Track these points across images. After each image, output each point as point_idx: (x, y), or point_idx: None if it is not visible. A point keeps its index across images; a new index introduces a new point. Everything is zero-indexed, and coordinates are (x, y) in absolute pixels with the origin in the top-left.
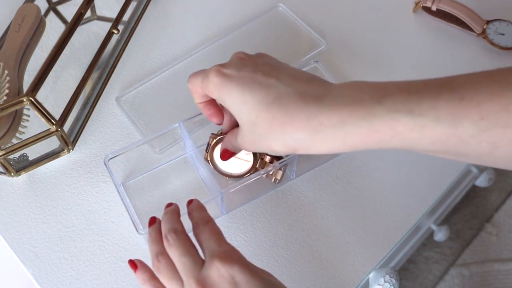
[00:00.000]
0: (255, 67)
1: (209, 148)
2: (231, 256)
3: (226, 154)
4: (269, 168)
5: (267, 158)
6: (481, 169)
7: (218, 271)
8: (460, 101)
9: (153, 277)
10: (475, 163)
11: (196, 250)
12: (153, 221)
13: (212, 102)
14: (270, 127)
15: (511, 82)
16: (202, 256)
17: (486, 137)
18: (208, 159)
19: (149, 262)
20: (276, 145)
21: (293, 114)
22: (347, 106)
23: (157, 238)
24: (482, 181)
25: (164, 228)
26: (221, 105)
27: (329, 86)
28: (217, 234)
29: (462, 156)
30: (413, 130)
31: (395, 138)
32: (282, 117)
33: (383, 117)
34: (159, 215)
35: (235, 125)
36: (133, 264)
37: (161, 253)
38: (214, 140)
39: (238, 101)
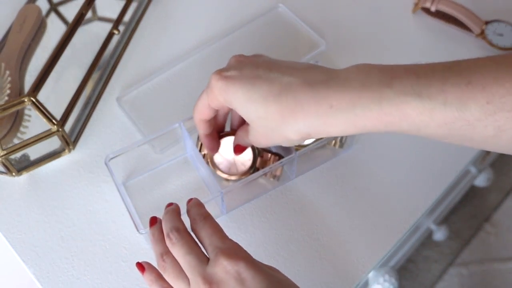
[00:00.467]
0: (255, 65)
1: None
2: (236, 252)
3: (240, 149)
4: (269, 167)
5: (267, 156)
6: (480, 169)
7: (224, 268)
8: (467, 85)
9: (159, 277)
10: (479, 147)
11: (200, 248)
12: (154, 221)
13: (214, 135)
14: (281, 117)
15: None
16: (205, 253)
17: (491, 121)
18: (208, 160)
19: (151, 262)
20: (290, 134)
21: (303, 100)
22: (356, 90)
23: (160, 237)
24: (481, 181)
25: (165, 227)
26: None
27: (332, 71)
28: (219, 230)
29: (467, 140)
30: (422, 113)
31: (404, 121)
32: (293, 105)
33: (393, 100)
34: (160, 214)
35: (243, 121)
36: (141, 266)
37: (166, 252)
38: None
39: (244, 100)
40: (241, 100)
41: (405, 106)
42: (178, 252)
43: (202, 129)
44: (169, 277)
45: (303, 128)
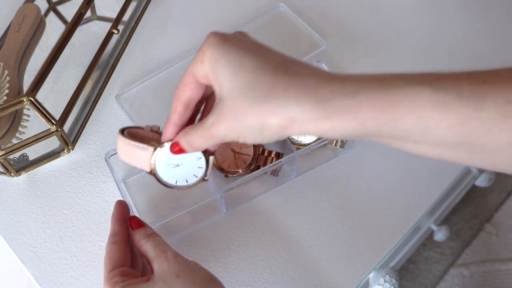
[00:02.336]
0: (258, 42)
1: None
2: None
3: (177, 148)
4: (269, 166)
5: (268, 155)
6: (481, 169)
7: None
8: (483, 83)
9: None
10: (487, 162)
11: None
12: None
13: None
14: (272, 87)
15: None
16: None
17: (509, 125)
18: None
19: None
20: (271, 112)
21: (301, 78)
22: (362, 78)
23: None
24: (482, 181)
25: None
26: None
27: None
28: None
29: (477, 149)
30: (434, 105)
31: (411, 115)
32: (288, 79)
33: (402, 88)
34: (159, 212)
35: (182, 126)
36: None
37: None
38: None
39: (234, 63)
40: (230, 64)
41: (415, 94)
42: None
43: (175, 113)
44: None
45: (291, 109)
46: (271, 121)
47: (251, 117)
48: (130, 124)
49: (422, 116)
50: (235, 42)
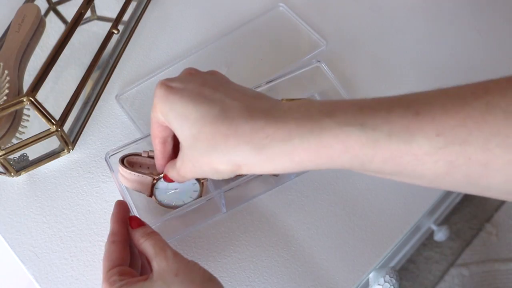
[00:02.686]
0: (202, 81)
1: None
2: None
3: (167, 179)
4: None
5: None
6: None
7: None
8: (414, 116)
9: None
10: (434, 187)
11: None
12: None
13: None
14: (212, 138)
15: (468, 97)
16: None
17: (442, 155)
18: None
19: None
20: (218, 161)
21: (238, 126)
22: (295, 120)
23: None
24: None
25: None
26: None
27: (277, 102)
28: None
29: (417, 177)
30: (365, 144)
31: (345, 154)
32: (226, 129)
33: (333, 130)
34: (159, 212)
35: (169, 158)
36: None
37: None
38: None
39: (180, 115)
40: (176, 113)
41: (346, 137)
42: None
43: (157, 150)
44: None
45: (234, 157)
46: (221, 168)
47: (204, 165)
48: (131, 124)
49: (355, 155)
50: (179, 92)
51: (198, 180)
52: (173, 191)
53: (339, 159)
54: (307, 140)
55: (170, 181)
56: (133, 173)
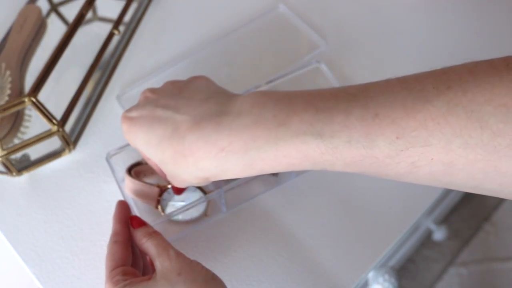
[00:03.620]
0: (156, 102)
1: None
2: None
3: (176, 189)
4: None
5: None
6: None
7: None
8: (373, 118)
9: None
10: (402, 181)
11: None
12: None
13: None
14: (175, 160)
15: (430, 94)
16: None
17: (404, 157)
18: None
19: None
20: (188, 178)
21: (191, 143)
22: (248, 129)
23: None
24: None
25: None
26: None
27: (227, 102)
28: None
29: (383, 175)
30: (325, 153)
31: (306, 162)
32: (182, 149)
33: (290, 141)
34: (159, 212)
35: None
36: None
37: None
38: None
39: (145, 142)
40: (142, 143)
41: (304, 147)
42: None
43: (155, 168)
44: None
45: (198, 172)
46: (194, 182)
47: (182, 181)
48: None
49: (316, 162)
50: (138, 121)
51: (204, 193)
52: (180, 203)
53: (300, 165)
54: (264, 151)
55: (178, 192)
56: (140, 183)
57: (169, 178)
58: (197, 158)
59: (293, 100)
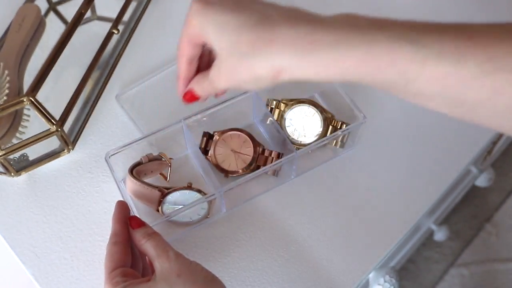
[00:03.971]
0: None
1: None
2: None
3: (190, 96)
4: (269, 166)
5: (268, 154)
6: (481, 169)
7: None
8: (467, 39)
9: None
10: (468, 116)
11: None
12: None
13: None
14: (254, 43)
15: None
16: None
17: (489, 81)
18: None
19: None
20: (259, 66)
21: (282, 31)
22: (343, 29)
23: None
24: (482, 181)
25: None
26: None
27: (320, 15)
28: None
29: (458, 103)
30: (413, 60)
31: (391, 67)
32: (269, 35)
33: (383, 42)
34: (159, 213)
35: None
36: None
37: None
38: (217, 137)
39: (219, 23)
40: (216, 23)
41: (396, 50)
42: None
43: (182, 70)
44: None
45: (276, 62)
46: (261, 73)
47: (243, 71)
48: (131, 124)
49: (402, 70)
50: (217, 3)
51: (202, 192)
52: (181, 206)
53: (384, 71)
54: (355, 48)
55: (190, 99)
56: (142, 184)
57: (223, 69)
58: (283, 45)
59: (387, 19)
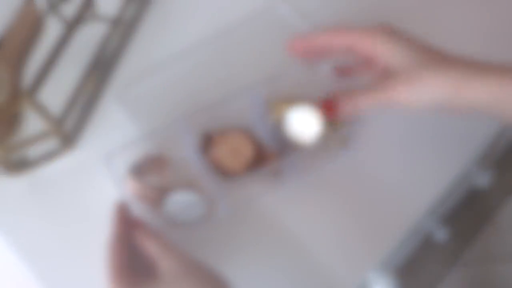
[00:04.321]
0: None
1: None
2: None
3: (332, 110)
4: (270, 167)
5: (268, 155)
6: (482, 169)
7: None
8: None
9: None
10: None
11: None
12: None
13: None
14: (428, 62)
15: None
16: None
17: None
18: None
19: None
20: (441, 80)
21: (451, 57)
22: (486, 68)
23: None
24: (483, 181)
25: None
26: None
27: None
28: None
29: None
30: None
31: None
32: (441, 58)
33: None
34: (159, 213)
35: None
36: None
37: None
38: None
39: (405, 48)
40: (400, 44)
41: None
42: None
43: (338, 36)
44: None
45: (443, 82)
46: (440, 88)
47: (424, 84)
48: (131, 124)
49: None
50: (400, 32)
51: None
52: (181, 206)
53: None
54: (495, 78)
55: (331, 111)
56: (143, 185)
57: (400, 81)
58: (450, 66)
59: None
